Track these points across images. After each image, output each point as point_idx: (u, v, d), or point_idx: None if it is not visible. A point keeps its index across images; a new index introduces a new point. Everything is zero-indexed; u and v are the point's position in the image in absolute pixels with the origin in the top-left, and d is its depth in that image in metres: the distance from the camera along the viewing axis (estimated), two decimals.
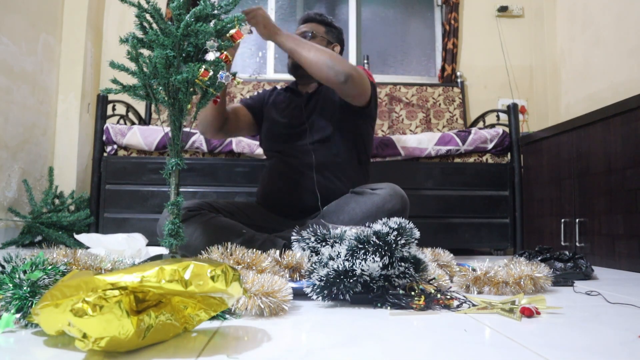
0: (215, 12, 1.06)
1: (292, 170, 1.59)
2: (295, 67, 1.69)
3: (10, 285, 0.72)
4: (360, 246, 0.93)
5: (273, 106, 1.76)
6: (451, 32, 3.23)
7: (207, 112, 1.62)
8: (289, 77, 1.89)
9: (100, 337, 0.55)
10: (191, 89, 1.04)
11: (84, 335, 0.55)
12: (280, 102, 1.75)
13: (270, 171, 1.67)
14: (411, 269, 0.94)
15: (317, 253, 1.07)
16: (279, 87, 1.87)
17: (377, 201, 1.39)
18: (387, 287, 0.93)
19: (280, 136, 1.67)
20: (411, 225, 0.97)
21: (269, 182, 1.66)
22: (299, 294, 0.94)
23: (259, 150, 2.25)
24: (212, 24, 1.04)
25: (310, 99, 1.69)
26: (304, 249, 1.11)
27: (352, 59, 3.33)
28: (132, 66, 1.04)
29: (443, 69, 3.25)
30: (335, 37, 1.75)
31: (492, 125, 2.74)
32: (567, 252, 1.45)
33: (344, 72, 1.43)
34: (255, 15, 1.41)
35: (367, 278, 0.92)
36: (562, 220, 2.08)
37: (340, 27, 1.79)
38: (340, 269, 0.91)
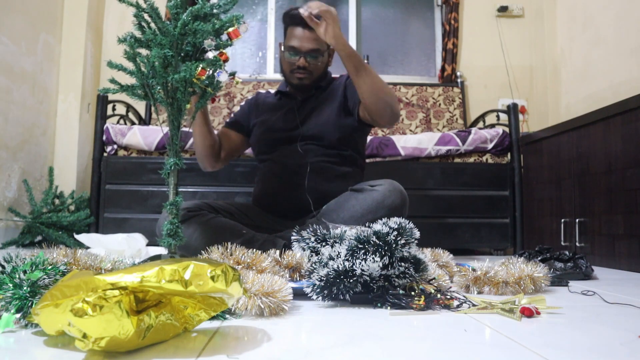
0: (215, 11, 1.06)
1: (286, 173, 1.58)
2: (303, 88, 1.64)
3: (10, 285, 0.72)
4: (360, 246, 0.93)
5: (264, 111, 1.71)
6: (451, 32, 3.23)
7: (198, 147, 1.59)
8: None
9: (100, 337, 0.55)
10: (189, 89, 1.04)
11: (84, 335, 0.55)
12: (272, 106, 1.71)
13: (265, 174, 1.66)
14: (411, 269, 0.94)
15: (317, 253, 1.07)
16: (263, 91, 1.84)
17: (377, 197, 1.40)
18: (387, 287, 0.93)
19: (273, 141, 1.64)
20: (411, 225, 0.97)
21: (264, 185, 1.65)
22: (299, 294, 0.94)
23: None
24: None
25: (304, 102, 1.67)
26: (304, 249, 1.11)
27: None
28: (131, 66, 1.04)
29: (443, 69, 3.25)
30: None
31: (492, 125, 2.74)
32: (567, 252, 1.45)
33: (397, 115, 1.50)
34: (328, 10, 1.38)
35: (367, 278, 0.92)
36: (562, 220, 2.08)
37: None
38: (340, 269, 0.91)
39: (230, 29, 1.04)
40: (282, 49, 1.63)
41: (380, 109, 1.46)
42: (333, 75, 1.79)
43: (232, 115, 1.81)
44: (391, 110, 1.47)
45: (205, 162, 1.64)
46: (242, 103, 1.82)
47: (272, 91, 1.82)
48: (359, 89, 1.45)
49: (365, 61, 3.22)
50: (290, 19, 1.59)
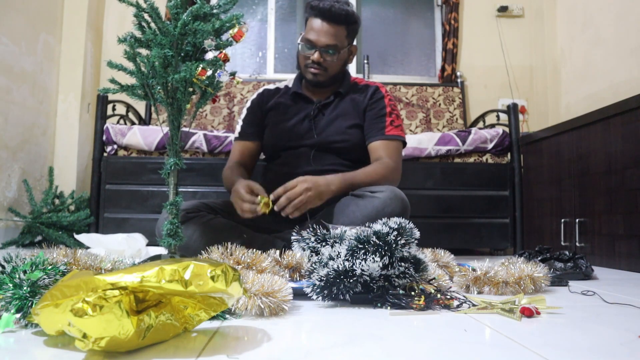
0: (215, 11, 1.06)
1: (295, 175, 1.57)
2: (317, 85, 1.60)
3: (11, 285, 0.72)
4: (360, 246, 0.93)
5: (277, 112, 1.64)
6: (451, 32, 3.23)
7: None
8: (289, 76, 1.84)
9: (100, 337, 0.55)
10: (190, 89, 1.04)
11: (84, 335, 0.55)
12: (287, 108, 1.64)
13: (271, 174, 1.64)
14: (411, 269, 0.94)
15: (317, 253, 1.07)
16: (272, 87, 1.72)
17: (377, 205, 1.36)
18: (387, 287, 0.93)
19: (286, 147, 1.60)
20: (411, 225, 0.97)
21: (269, 186, 1.64)
22: (299, 294, 0.94)
23: None
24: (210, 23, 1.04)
25: (321, 109, 1.62)
26: (304, 249, 1.11)
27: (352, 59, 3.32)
28: (131, 66, 1.04)
29: (443, 69, 3.25)
30: (353, 35, 1.60)
31: (492, 125, 2.74)
32: (567, 252, 1.45)
33: (395, 183, 1.52)
34: (304, 201, 1.31)
35: (367, 278, 0.92)
36: (562, 220, 2.08)
37: (359, 17, 1.61)
38: (340, 269, 0.91)
39: (234, 31, 1.04)
40: (299, 40, 1.57)
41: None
42: (353, 77, 1.72)
43: (240, 123, 1.68)
44: (390, 184, 1.50)
45: None
46: (248, 105, 1.70)
47: (281, 86, 1.72)
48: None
49: (365, 61, 3.25)
50: (311, 9, 1.54)
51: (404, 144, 1.63)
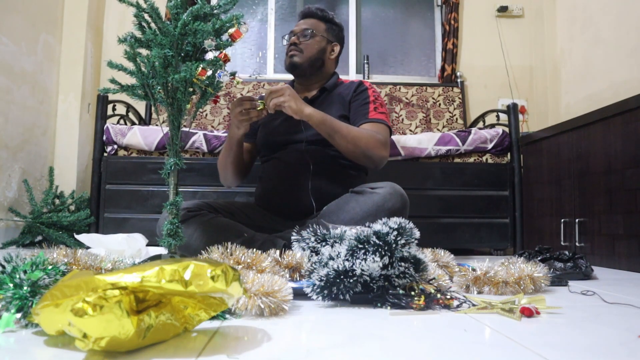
0: (215, 11, 1.06)
1: (290, 173, 1.58)
2: (293, 67, 1.67)
3: (11, 285, 0.72)
4: (360, 246, 0.93)
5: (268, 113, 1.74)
6: (451, 32, 3.23)
7: (229, 175, 1.66)
8: (289, 77, 1.87)
9: (100, 337, 0.55)
10: (190, 89, 1.05)
11: (84, 335, 0.55)
12: None
13: (268, 173, 1.66)
14: (411, 269, 0.94)
15: (317, 253, 1.07)
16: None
17: (377, 200, 1.39)
18: (387, 287, 0.93)
19: (276, 143, 1.64)
20: (411, 225, 0.97)
21: (266, 184, 1.65)
22: (299, 294, 0.94)
23: None
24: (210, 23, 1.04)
25: (309, 104, 1.66)
26: (304, 249, 1.11)
27: (352, 59, 3.33)
28: (131, 66, 1.04)
29: (443, 69, 3.25)
30: (335, 35, 1.73)
31: (492, 125, 2.74)
32: (567, 252, 1.45)
33: (380, 159, 1.52)
34: (282, 94, 1.39)
35: (367, 278, 0.92)
36: (562, 220, 2.08)
37: (341, 24, 1.76)
38: (340, 269, 0.91)
39: (232, 30, 1.04)
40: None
41: (359, 159, 1.52)
42: (340, 78, 1.78)
43: None
44: (369, 159, 1.51)
45: (234, 183, 1.70)
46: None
47: None
48: (336, 147, 1.51)
49: (365, 61, 3.25)
50: (298, 16, 1.74)
51: (390, 131, 1.64)
